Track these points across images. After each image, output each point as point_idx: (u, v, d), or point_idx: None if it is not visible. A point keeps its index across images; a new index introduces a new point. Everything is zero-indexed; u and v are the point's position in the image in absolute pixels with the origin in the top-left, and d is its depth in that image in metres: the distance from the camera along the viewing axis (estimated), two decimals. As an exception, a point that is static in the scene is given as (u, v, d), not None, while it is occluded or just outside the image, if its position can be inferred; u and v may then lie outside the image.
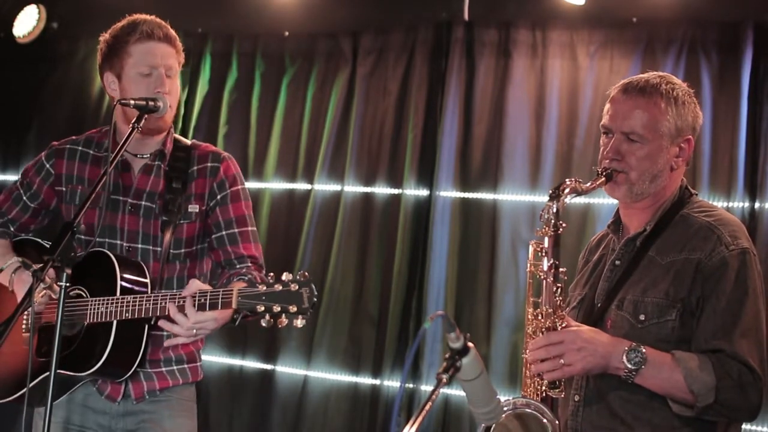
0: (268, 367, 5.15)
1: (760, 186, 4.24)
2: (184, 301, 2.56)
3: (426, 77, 4.99)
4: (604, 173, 2.50)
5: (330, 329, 5.03)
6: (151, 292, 2.71)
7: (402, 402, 4.76)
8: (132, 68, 2.83)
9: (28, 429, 2.56)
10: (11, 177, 5.81)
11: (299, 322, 2.45)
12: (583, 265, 2.76)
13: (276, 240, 5.21)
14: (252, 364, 5.20)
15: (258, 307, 2.45)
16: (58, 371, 2.43)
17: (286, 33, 5.34)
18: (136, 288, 2.72)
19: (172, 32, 2.89)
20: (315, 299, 2.46)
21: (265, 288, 2.46)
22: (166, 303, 2.59)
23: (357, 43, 5.17)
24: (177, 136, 2.98)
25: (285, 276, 2.47)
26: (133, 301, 2.64)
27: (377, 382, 4.90)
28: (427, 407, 1.79)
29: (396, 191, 4.99)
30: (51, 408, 2.38)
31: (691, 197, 2.58)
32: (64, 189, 2.93)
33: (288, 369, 5.10)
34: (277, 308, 2.45)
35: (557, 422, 2.39)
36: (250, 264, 2.86)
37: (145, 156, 2.91)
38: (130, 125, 2.69)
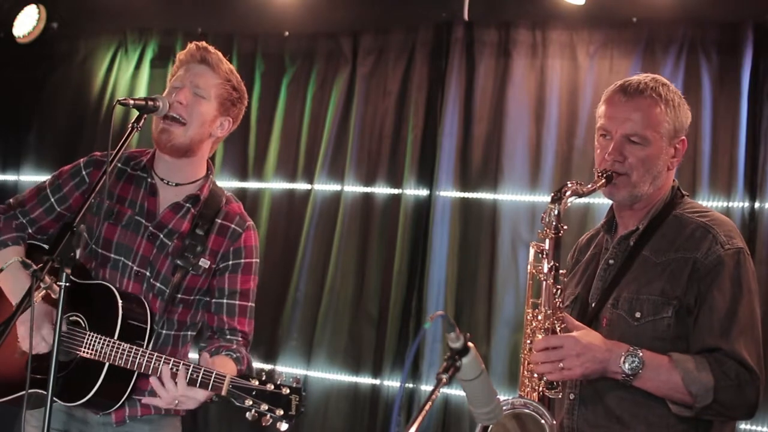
0: (268, 366, 5.14)
1: (760, 186, 4.24)
2: (177, 369, 2.56)
3: (426, 77, 4.99)
4: (604, 175, 2.51)
5: (330, 329, 5.03)
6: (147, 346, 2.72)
7: (402, 402, 4.76)
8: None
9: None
10: (11, 177, 5.81)
11: (283, 426, 2.46)
12: (573, 265, 2.77)
13: (276, 240, 5.21)
14: (252, 363, 5.18)
15: (246, 401, 2.47)
16: (41, 393, 2.45)
17: (286, 33, 5.34)
18: (134, 335, 2.72)
19: (217, 60, 2.91)
20: (303, 408, 2.48)
21: (257, 383, 2.49)
22: (160, 365, 2.59)
23: (357, 43, 5.17)
24: (216, 183, 2.99)
25: (278, 377, 2.50)
26: (128, 351, 2.65)
27: (377, 382, 4.90)
28: (427, 407, 1.79)
29: (396, 191, 4.99)
30: (49, 422, 2.37)
31: (682, 198, 2.60)
32: (92, 200, 2.93)
33: (288, 369, 5.09)
34: (264, 407, 2.47)
35: (554, 423, 2.40)
36: (240, 338, 2.90)
37: (171, 183, 2.91)
38: (129, 125, 2.69)
